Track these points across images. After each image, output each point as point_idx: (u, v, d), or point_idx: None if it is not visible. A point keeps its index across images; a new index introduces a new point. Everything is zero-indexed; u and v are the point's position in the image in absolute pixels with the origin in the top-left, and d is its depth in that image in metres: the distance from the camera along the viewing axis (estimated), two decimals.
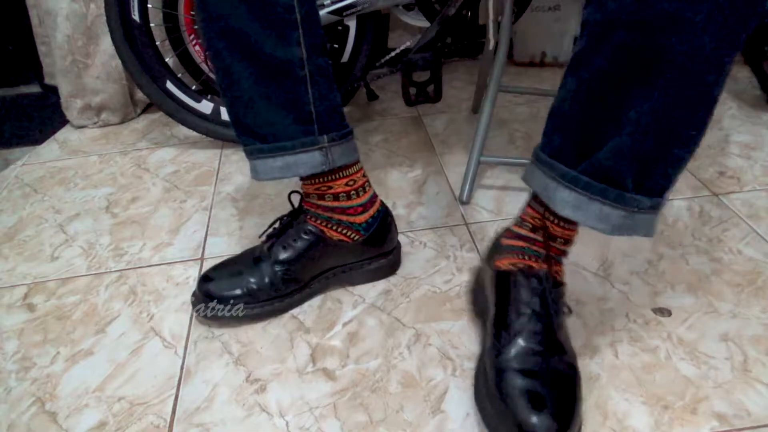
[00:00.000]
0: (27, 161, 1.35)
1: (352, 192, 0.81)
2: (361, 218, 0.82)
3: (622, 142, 0.57)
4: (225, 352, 0.77)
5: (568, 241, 0.68)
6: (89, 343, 0.80)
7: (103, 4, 1.22)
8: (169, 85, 1.28)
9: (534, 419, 0.58)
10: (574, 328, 0.76)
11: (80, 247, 1.01)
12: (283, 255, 0.80)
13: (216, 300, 0.79)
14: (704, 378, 0.68)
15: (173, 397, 0.71)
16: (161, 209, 1.11)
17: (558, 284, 0.67)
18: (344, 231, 0.82)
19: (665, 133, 0.57)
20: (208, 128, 1.30)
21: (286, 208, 1.07)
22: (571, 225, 0.67)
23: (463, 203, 1.04)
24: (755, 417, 0.64)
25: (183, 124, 1.31)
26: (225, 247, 0.98)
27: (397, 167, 1.18)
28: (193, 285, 0.89)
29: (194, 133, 1.36)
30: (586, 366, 0.71)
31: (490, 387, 0.63)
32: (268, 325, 0.80)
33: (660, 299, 0.80)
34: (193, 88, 1.34)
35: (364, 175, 0.82)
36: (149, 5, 1.24)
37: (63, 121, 1.52)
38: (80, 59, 1.41)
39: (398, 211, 1.03)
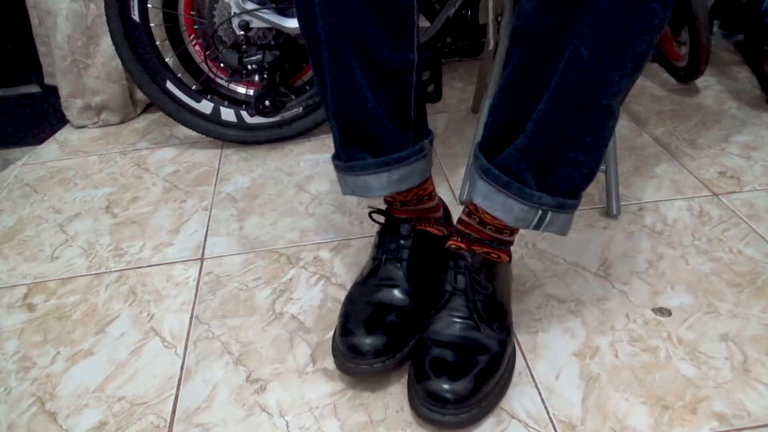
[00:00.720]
0: (27, 161, 1.35)
1: (433, 191, 0.80)
2: (439, 214, 0.81)
3: (522, 141, 0.63)
4: (225, 352, 0.77)
5: (499, 229, 0.70)
6: (89, 343, 0.80)
7: (103, 4, 1.21)
8: (169, 85, 1.28)
9: (433, 384, 0.63)
10: (574, 328, 0.76)
11: (80, 247, 1.01)
12: (404, 270, 0.75)
13: None
14: (704, 378, 0.68)
15: (173, 397, 0.71)
16: (161, 209, 1.11)
17: (490, 263, 0.70)
18: (439, 227, 0.79)
19: (557, 135, 0.61)
20: (208, 128, 1.30)
21: (287, 208, 1.07)
22: None
23: (462, 203, 1.04)
24: (755, 417, 0.64)
25: (183, 124, 1.30)
26: (225, 247, 0.98)
27: None
28: (193, 285, 0.89)
29: (194, 133, 1.36)
30: (586, 366, 0.71)
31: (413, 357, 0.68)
32: (268, 326, 0.81)
33: (660, 299, 0.80)
34: (193, 88, 1.34)
35: None
36: (149, 5, 1.24)
37: (63, 121, 1.52)
38: (80, 59, 1.41)
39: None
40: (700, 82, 1.44)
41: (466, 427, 0.64)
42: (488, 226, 0.70)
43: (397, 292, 0.74)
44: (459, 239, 0.72)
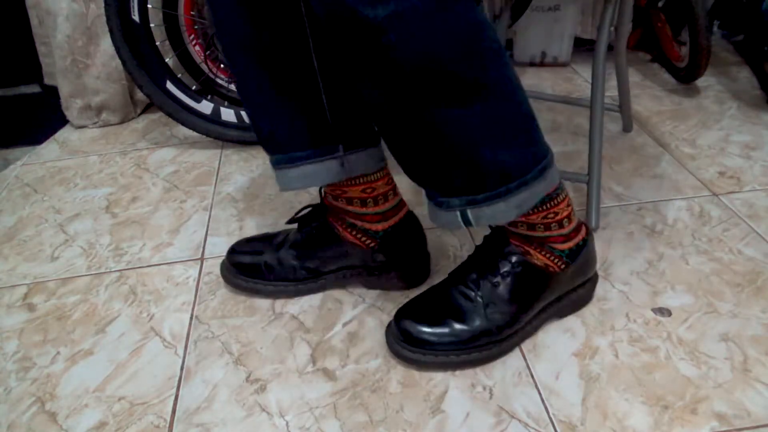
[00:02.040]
0: (27, 161, 1.35)
1: (369, 199, 0.79)
2: (378, 226, 0.80)
3: (404, 160, 0.69)
4: (225, 352, 0.77)
5: (531, 225, 0.72)
6: (89, 343, 0.80)
7: (103, 4, 1.21)
8: (169, 86, 1.28)
9: (405, 323, 0.72)
10: (574, 328, 0.76)
11: (80, 247, 1.01)
12: (298, 241, 0.83)
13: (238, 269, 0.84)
14: (704, 378, 0.68)
15: (173, 397, 0.71)
16: (161, 209, 1.11)
17: (528, 264, 0.72)
18: (359, 236, 0.81)
19: (409, 148, 0.66)
20: (208, 128, 1.30)
21: (286, 209, 1.07)
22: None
23: None
24: (755, 417, 0.64)
25: (183, 124, 1.30)
26: (225, 247, 0.97)
27: (397, 167, 1.17)
28: (193, 285, 0.89)
29: (194, 133, 1.36)
30: (586, 366, 0.71)
31: None
32: (268, 326, 0.81)
33: (660, 299, 0.80)
34: (193, 88, 1.34)
35: (388, 183, 0.80)
36: (149, 5, 1.24)
37: (63, 121, 1.52)
38: (80, 59, 1.41)
39: None
40: (700, 82, 1.44)
41: (420, 365, 0.71)
42: (537, 226, 0.71)
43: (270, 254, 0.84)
44: (515, 239, 0.73)
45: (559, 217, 0.71)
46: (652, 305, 0.79)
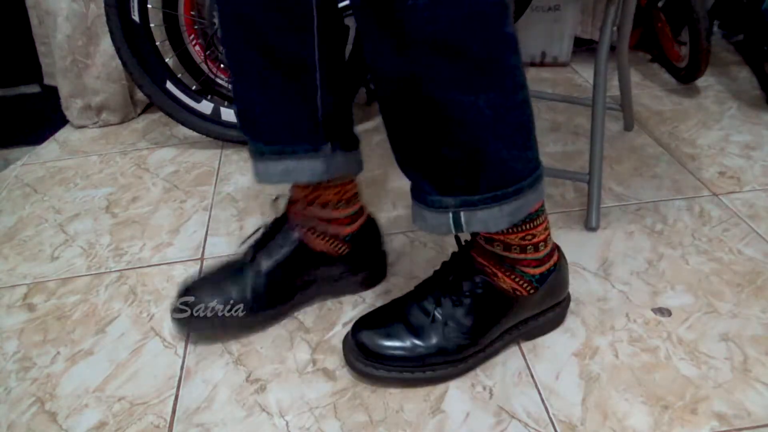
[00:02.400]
0: (27, 161, 1.35)
1: (341, 202, 0.79)
2: (347, 230, 0.80)
3: (401, 150, 0.67)
4: (225, 352, 0.77)
5: (507, 245, 0.70)
6: (89, 343, 0.80)
7: (103, 5, 1.21)
8: (169, 86, 1.28)
9: (361, 335, 0.70)
10: (574, 328, 0.76)
11: (80, 247, 1.01)
12: (267, 264, 0.77)
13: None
14: (704, 378, 0.68)
15: (173, 397, 0.71)
16: (161, 209, 1.11)
17: (489, 286, 0.70)
18: (329, 241, 0.80)
19: (415, 140, 0.64)
20: (208, 128, 1.30)
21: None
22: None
23: None
24: (755, 417, 0.64)
25: (183, 124, 1.30)
26: (225, 247, 0.98)
27: (397, 167, 1.17)
28: None
29: (194, 133, 1.36)
30: (586, 366, 0.71)
31: None
32: (268, 326, 0.80)
33: (660, 299, 0.80)
34: (193, 88, 1.34)
35: (355, 186, 0.81)
36: (149, 5, 1.24)
37: (63, 121, 1.52)
38: (80, 59, 1.41)
39: (398, 212, 1.03)
40: (700, 82, 1.44)
41: (371, 379, 0.70)
42: (496, 243, 0.69)
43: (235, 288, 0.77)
44: (484, 259, 0.71)
45: (535, 240, 0.69)
46: (652, 305, 0.79)
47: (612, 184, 1.06)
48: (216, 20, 1.32)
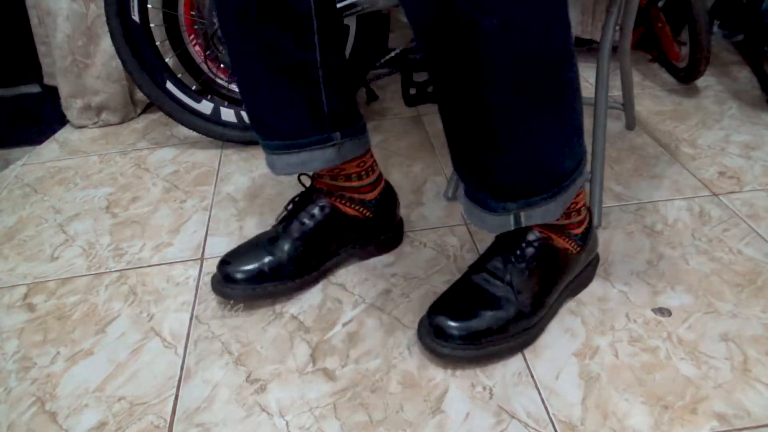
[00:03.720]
0: (27, 161, 1.35)
1: (363, 172, 0.85)
2: (371, 195, 0.87)
3: (462, 160, 0.68)
4: (225, 352, 0.77)
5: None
6: (89, 343, 0.80)
7: (103, 5, 1.22)
8: (169, 86, 1.28)
9: (438, 320, 0.71)
10: (574, 328, 0.76)
11: (80, 247, 1.01)
12: (301, 231, 0.83)
13: (236, 282, 0.81)
14: (704, 378, 0.68)
15: (173, 397, 0.71)
16: (161, 209, 1.11)
17: (550, 248, 0.74)
18: (357, 207, 0.86)
19: (471, 152, 0.66)
20: (208, 128, 1.30)
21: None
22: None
23: (449, 199, 1.04)
24: (755, 417, 0.64)
25: (183, 124, 1.31)
26: (225, 247, 0.98)
27: (397, 167, 1.18)
28: (193, 285, 0.89)
29: (194, 133, 1.36)
30: (586, 366, 0.71)
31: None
32: (268, 326, 0.80)
33: (660, 299, 0.80)
34: (193, 88, 1.34)
35: (371, 156, 0.87)
36: (149, 5, 1.24)
37: (63, 121, 1.52)
38: (80, 59, 1.41)
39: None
40: (700, 82, 1.44)
41: (459, 362, 0.71)
42: None
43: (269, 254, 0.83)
44: (537, 226, 0.74)
45: (578, 206, 0.75)
46: (652, 305, 0.79)
47: (612, 184, 1.06)
48: (216, 20, 1.32)
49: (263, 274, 0.81)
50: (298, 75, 0.74)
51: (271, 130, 0.79)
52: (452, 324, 0.70)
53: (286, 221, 0.85)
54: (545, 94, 0.59)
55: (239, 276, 0.81)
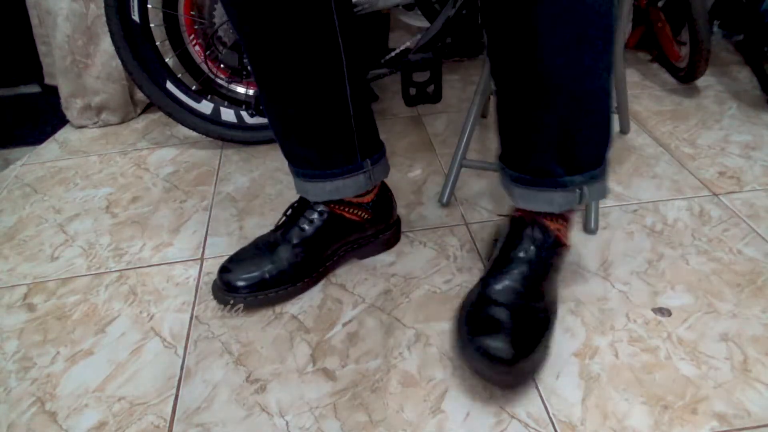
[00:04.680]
0: (27, 161, 1.35)
1: None
2: (368, 198, 0.87)
3: (537, 138, 0.69)
4: (225, 352, 0.77)
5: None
6: (89, 343, 0.80)
7: (103, 4, 1.21)
8: (169, 86, 1.28)
9: (488, 341, 0.64)
10: (574, 328, 0.76)
11: (80, 247, 1.01)
12: (300, 237, 0.84)
13: (238, 290, 0.81)
14: (704, 378, 0.68)
15: (173, 397, 0.71)
16: (161, 209, 1.11)
17: (559, 244, 0.75)
18: (354, 211, 0.87)
19: (563, 123, 0.67)
20: (208, 128, 1.30)
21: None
22: None
23: (443, 205, 1.04)
24: (755, 417, 0.64)
25: (183, 124, 1.30)
26: (225, 247, 0.98)
27: (397, 167, 1.18)
28: (193, 285, 0.89)
29: (194, 133, 1.36)
30: (586, 366, 0.71)
31: (465, 312, 0.70)
32: (268, 326, 0.81)
33: (660, 299, 0.80)
34: (193, 88, 1.34)
35: None
36: (149, 5, 1.24)
37: (63, 121, 1.52)
38: (80, 59, 1.41)
39: (398, 212, 1.03)
40: (700, 82, 1.44)
41: (514, 387, 0.68)
42: None
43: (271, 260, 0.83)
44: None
45: None
46: (652, 305, 0.79)
47: (612, 184, 1.06)
48: (216, 21, 1.32)
49: (265, 281, 0.81)
50: (332, 114, 0.77)
51: (306, 163, 0.81)
52: (504, 344, 0.65)
53: (285, 227, 0.85)
54: (609, 57, 0.64)
55: (240, 284, 0.81)
